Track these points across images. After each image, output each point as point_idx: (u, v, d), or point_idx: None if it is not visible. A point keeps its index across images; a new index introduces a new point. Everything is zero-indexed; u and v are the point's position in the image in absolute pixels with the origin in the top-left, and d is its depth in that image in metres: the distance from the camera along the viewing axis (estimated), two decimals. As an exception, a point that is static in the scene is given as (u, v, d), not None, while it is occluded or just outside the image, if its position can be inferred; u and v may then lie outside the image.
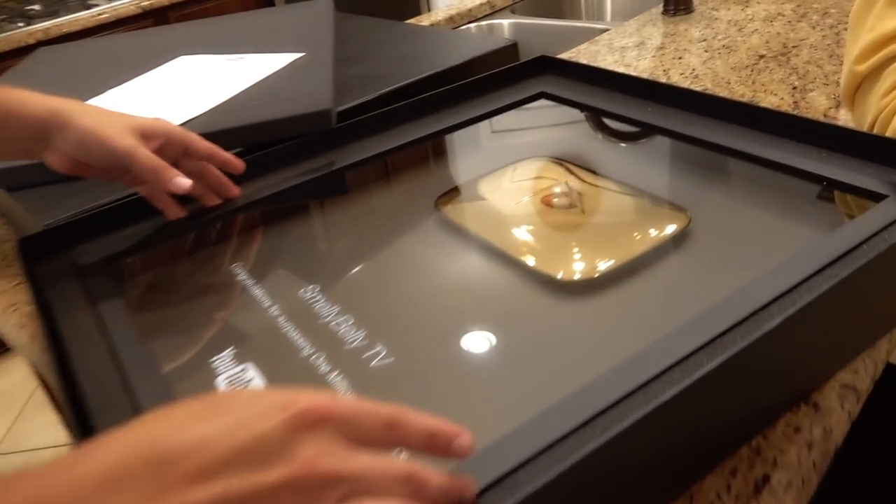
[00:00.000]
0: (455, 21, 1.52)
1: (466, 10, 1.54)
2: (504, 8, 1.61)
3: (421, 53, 0.97)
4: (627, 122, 0.74)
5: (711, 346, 0.39)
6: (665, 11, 1.30)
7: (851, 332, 0.49)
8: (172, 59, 0.99)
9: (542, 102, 0.83)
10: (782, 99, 0.90)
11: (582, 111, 0.81)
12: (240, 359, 0.48)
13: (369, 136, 0.78)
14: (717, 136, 0.65)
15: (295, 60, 0.93)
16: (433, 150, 0.81)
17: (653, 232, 0.57)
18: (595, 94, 0.80)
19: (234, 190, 0.66)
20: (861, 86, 0.67)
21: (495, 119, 0.81)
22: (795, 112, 0.86)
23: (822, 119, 0.84)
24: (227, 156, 0.65)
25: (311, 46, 0.98)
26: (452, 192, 0.69)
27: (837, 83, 0.92)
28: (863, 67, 0.65)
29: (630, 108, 0.75)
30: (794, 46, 1.06)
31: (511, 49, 0.97)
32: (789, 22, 1.16)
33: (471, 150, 0.82)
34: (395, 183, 0.76)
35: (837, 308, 0.44)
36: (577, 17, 1.79)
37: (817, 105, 0.87)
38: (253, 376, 0.46)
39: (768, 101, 0.90)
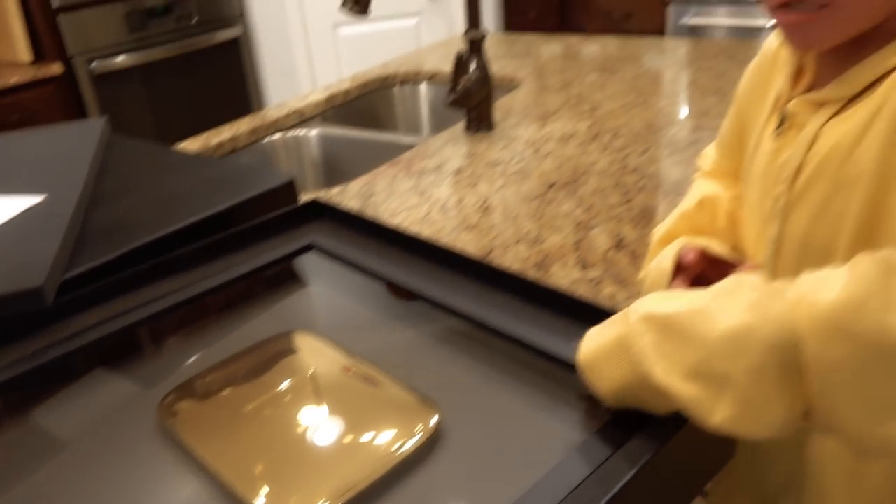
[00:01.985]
0: (258, 133, 1.44)
1: (272, 120, 1.47)
2: (314, 116, 1.56)
3: (185, 194, 0.88)
4: (389, 282, 0.68)
5: None
6: (467, 129, 1.29)
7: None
8: None
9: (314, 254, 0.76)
10: (566, 237, 0.88)
11: (351, 268, 0.74)
12: None
13: (99, 307, 0.67)
14: (473, 306, 0.60)
15: (29, 208, 0.80)
16: (174, 324, 0.70)
17: (393, 444, 0.50)
18: (366, 246, 0.74)
19: None
20: None
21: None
22: (576, 252, 0.84)
23: (601, 261, 0.82)
24: None
25: (58, 186, 0.85)
26: (183, 390, 0.59)
27: (619, 218, 0.92)
28: None
29: (398, 266, 0.69)
30: (583, 173, 1.06)
31: (287, 188, 0.89)
32: (582, 143, 1.18)
33: (224, 321, 0.72)
34: (116, 374, 0.65)
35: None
36: (394, 127, 1.77)
37: (598, 245, 0.86)
38: None
39: (552, 241, 0.88)
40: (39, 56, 2.36)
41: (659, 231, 0.77)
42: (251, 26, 2.96)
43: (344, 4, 1.14)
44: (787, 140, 0.60)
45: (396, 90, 1.76)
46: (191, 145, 1.34)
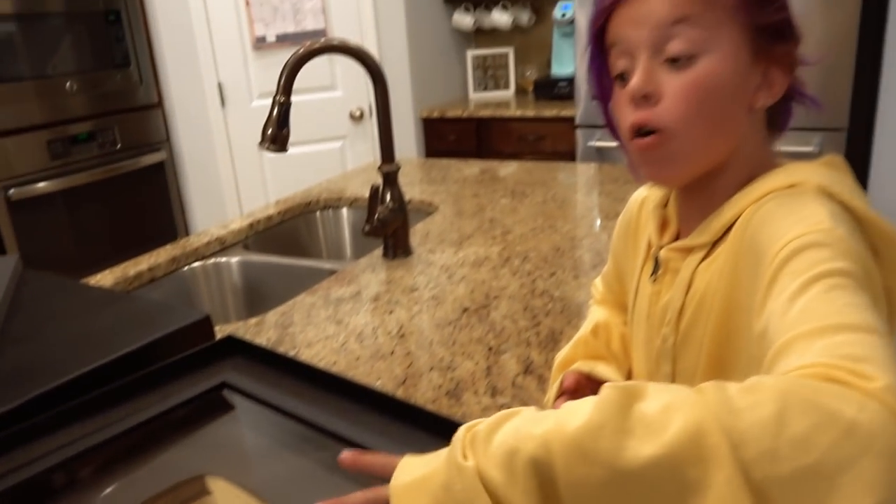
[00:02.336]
0: (179, 262, 1.45)
1: (192, 248, 1.48)
2: (236, 243, 1.58)
3: (96, 333, 0.88)
4: (301, 422, 0.69)
5: None
6: (385, 255, 1.34)
7: None
8: None
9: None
10: (477, 363, 0.91)
11: (263, 405, 0.75)
12: None
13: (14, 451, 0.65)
14: (380, 438, 0.62)
15: (-71, 355, 0.78)
16: (81, 471, 0.69)
17: None
18: (278, 382, 0.75)
19: None
20: None
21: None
22: (487, 378, 0.88)
23: (510, 387, 0.85)
24: None
25: (-39, 331, 0.84)
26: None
27: (528, 342, 0.96)
28: None
29: (308, 401, 0.70)
30: (495, 297, 1.12)
31: (203, 324, 0.90)
32: (494, 267, 1.24)
33: (133, 466, 0.71)
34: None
35: None
36: (318, 251, 1.81)
37: (508, 370, 0.89)
38: None
39: (465, 367, 0.91)
40: (-47, 184, 2.32)
41: (559, 357, 0.82)
42: (177, 150, 3.01)
43: (262, 142, 1.20)
44: (664, 284, 0.67)
45: (319, 215, 1.81)
46: (107, 278, 1.33)
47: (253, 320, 1.11)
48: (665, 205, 0.70)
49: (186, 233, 3.09)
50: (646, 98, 0.59)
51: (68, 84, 2.55)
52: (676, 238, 0.68)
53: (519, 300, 1.10)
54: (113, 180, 2.73)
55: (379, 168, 1.33)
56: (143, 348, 0.84)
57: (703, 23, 0.57)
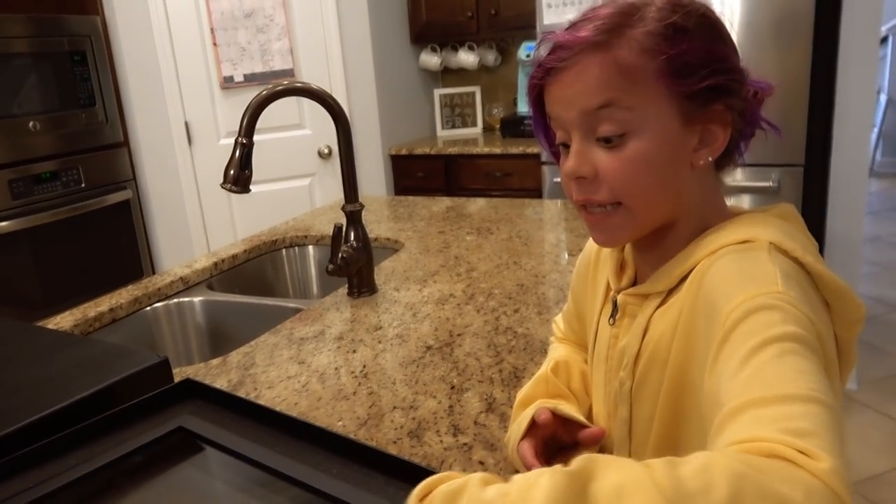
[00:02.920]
0: (141, 302, 1.43)
1: (155, 288, 1.47)
2: (200, 282, 1.57)
3: (50, 379, 0.86)
4: (258, 466, 0.68)
5: None
6: (349, 294, 1.34)
7: None
8: None
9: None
10: (440, 402, 0.91)
11: (219, 449, 0.74)
12: None
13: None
14: (333, 482, 0.61)
15: None
16: None
17: None
18: (235, 425, 0.74)
19: None
20: None
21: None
22: (450, 418, 0.87)
23: (472, 426, 0.85)
24: None
25: None
26: None
27: (491, 380, 0.96)
28: None
29: (264, 444, 0.69)
30: (458, 335, 1.12)
31: (161, 367, 0.89)
32: (458, 304, 1.24)
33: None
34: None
35: None
36: (284, 289, 1.80)
37: (471, 409, 0.89)
38: None
39: (427, 406, 0.90)
40: None
41: (520, 394, 0.82)
42: (143, 188, 2.99)
43: (225, 183, 1.20)
44: (622, 328, 0.68)
45: (285, 253, 1.81)
46: (66, 319, 1.31)
47: (215, 361, 1.10)
48: (623, 248, 0.72)
49: (153, 271, 3.05)
50: (582, 178, 0.61)
51: (31, 123, 2.52)
52: (634, 282, 0.69)
53: (483, 337, 1.10)
54: (77, 219, 2.70)
55: (342, 207, 1.33)
56: (98, 392, 0.83)
57: (628, 104, 0.58)
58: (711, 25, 0.61)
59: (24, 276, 2.56)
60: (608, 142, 0.60)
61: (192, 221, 3.04)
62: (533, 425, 0.74)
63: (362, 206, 1.35)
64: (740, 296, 0.52)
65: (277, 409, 0.92)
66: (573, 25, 0.62)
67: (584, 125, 0.60)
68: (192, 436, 0.76)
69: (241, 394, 0.98)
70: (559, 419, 0.74)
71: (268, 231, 1.89)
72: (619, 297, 0.69)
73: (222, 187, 1.21)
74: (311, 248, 1.82)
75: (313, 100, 1.27)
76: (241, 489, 0.70)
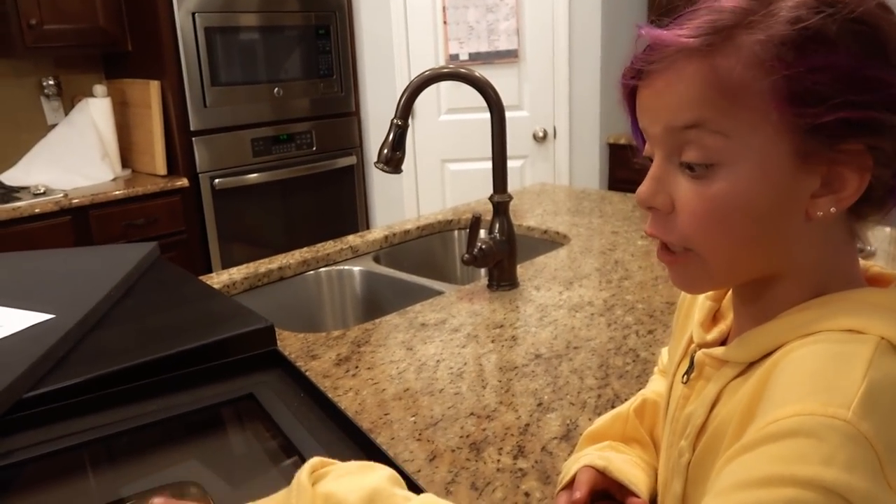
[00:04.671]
0: (309, 265, 1.54)
1: (325, 254, 1.57)
2: (368, 253, 1.64)
3: (175, 327, 0.95)
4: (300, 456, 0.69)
5: None
6: (489, 285, 1.31)
7: None
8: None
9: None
10: (519, 417, 0.86)
11: (274, 427, 0.76)
12: None
13: (37, 429, 0.73)
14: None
15: (34, 325, 0.90)
16: (90, 459, 0.75)
17: None
18: (300, 411, 0.77)
19: None
20: None
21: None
22: (520, 437, 0.82)
23: (538, 451, 0.79)
24: None
25: (69, 307, 0.96)
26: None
27: (584, 404, 0.89)
28: None
29: (320, 438, 0.70)
30: (575, 347, 1.04)
31: (266, 332, 0.95)
32: (592, 315, 1.16)
33: (133, 463, 0.76)
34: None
35: None
36: (450, 270, 1.82)
37: (546, 432, 0.83)
38: None
39: (504, 419, 0.86)
40: (172, 171, 2.67)
41: (592, 426, 0.74)
42: (367, 156, 3.21)
43: (377, 162, 1.23)
44: (694, 389, 0.57)
45: (457, 234, 1.83)
46: (241, 272, 1.45)
47: (336, 332, 1.15)
48: (722, 297, 0.60)
49: (367, 226, 3.27)
50: (655, 210, 0.51)
51: (276, 90, 2.82)
52: (725, 339, 0.58)
53: (599, 355, 1.02)
54: (306, 178, 2.98)
55: (490, 197, 1.30)
56: (203, 347, 0.90)
57: (721, 127, 0.46)
58: (870, 35, 0.44)
59: (258, 222, 2.89)
60: (692, 170, 0.48)
61: (406, 190, 3.20)
62: (575, 488, 0.66)
63: (510, 198, 1.30)
64: (796, 405, 0.41)
65: (366, 391, 0.94)
66: (680, 17, 0.51)
67: (668, 144, 0.49)
68: (258, 405, 0.79)
69: (342, 370, 1.01)
70: (610, 481, 0.66)
71: (450, 210, 1.92)
72: (697, 355, 0.57)
73: (375, 166, 1.24)
74: (482, 231, 1.81)
75: (470, 85, 1.25)
76: (279, 470, 0.73)
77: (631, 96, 0.53)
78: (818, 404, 0.40)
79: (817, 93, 0.44)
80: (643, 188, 0.51)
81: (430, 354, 1.05)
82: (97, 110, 2.65)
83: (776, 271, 0.50)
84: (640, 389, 0.91)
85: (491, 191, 1.32)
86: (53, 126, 2.73)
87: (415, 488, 0.59)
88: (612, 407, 0.87)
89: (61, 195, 2.38)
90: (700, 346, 0.58)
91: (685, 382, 0.58)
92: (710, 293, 0.60)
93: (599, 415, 0.86)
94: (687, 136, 0.47)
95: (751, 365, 0.51)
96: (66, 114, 2.74)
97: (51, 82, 2.75)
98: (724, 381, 0.52)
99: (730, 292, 0.59)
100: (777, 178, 0.46)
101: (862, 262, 0.52)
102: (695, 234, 0.49)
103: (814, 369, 0.43)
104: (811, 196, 0.47)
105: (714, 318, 0.60)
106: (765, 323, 0.50)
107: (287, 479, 0.71)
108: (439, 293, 1.36)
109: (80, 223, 2.39)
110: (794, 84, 0.44)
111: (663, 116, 0.49)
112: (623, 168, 3.18)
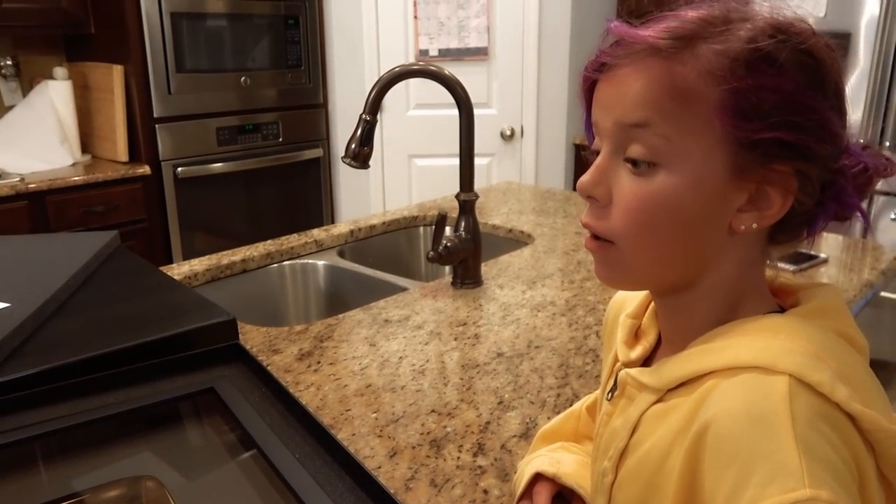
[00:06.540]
0: (273, 258, 1.53)
1: (289, 247, 1.56)
2: (332, 247, 1.64)
3: (135, 318, 0.94)
4: (259, 452, 0.69)
5: None
6: (453, 283, 1.32)
7: None
8: None
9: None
10: (479, 415, 0.87)
11: (233, 421, 0.76)
12: None
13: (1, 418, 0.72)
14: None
15: (-12, 314, 0.88)
16: (41, 452, 0.74)
17: None
18: (261, 406, 0.76)
19: None
20: None
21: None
22: (480, 434, 0.83)
23: (497, 450, 0.80)
24: None
25: (25, 295, 0.94)
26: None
27: (543, 403, 0.90)
28: None
29: (280, 433, 0.70)
30: (536, 347, 1.06)
31: (228, 325, 0.94)
32: (553, 315, 1.18)
33: (86, 456, 0.75)
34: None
35: None
36: (416, 270, 1.82)
37: (506, 430, 0.84)
38: None
39: (465, 417, 0.87)
40: (134, 157, 2.62)
41: (546, 426, 0.75)
42: (333, 149, 3.19)
43: (345, 157, 1.23)
44: (617, 408, 0.57)
45: (422, 231, 1.83)
46: (203, 263, 1.43)
47: (298, 327, 1.14)
48: (642, 314, 0.61)
49: (332, 220, 3.25)
50: (592, 199, 0.52)
51: (243, 79, 2.79)
52: (651, 355, 0.59)
53: (560, 355, 1.03)
54: (271, 170, 2.95)
55: (456, 195, 1.31)
56: (161, 339, 0.89)
57: (665, 131, 0.48)
58: (814, 67, 0.47)
59: (212, 213, 2.85)
60: (635, 165, 0.50)
61: (372, 184, 3.19)
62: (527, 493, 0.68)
63: (477, 196, 1.31)
64: (749, 491, 0.41)
65: (327, 386, 0.94)
66: (647, 20, 0.52)
67: (616, 139, 0.51)
68: (218, 399, 0.79)
69: (304, 365, 1.01)
70: (561, 486, 0.67)
71: (415, 206, 1.92)
72: (622, 374, 0.57)
73: (342, 161, 1.24)
74: (448, 229, 1.82)
75: (440, 83, 1.25)
76: (237, 463, 0.72)
77: (590, 90, 0.55)
78: (778, 492, 0.40)
79: (759, 110, 0.46)
80: (586, 177, 0.52)
81: (392, 351, 1.05)
82: (57, 93, 2.58)
83: (692, 280, 0.52)
84: (595, 387, 0.93)
85: (457, 187, 1.32)
86: (11, 108, 2.66)
87: (375, 485, 0.59)
88: (570, 406, 0.89)
89: (17, 179, 2.32)
90: (625, 365, 0.59)
91: (609, 400, 0.59)
92: (630, 311, 0.61)
93: (556, 412, 0.87)
94: (634, 133, 0.49)
95: (669, 391, 0.52)
96: (25, 95, 2.67)
97: (9, 62, 2.67)
98: (644, 405, 0.53)
99: (649, 309, 0.60)
100: (709, 187, 0.48)
101: (768, 272, 0.54)
102: (622, 228, 0.51)
103: (746, 429, 0.43)
104: (737, 210, 0.49)
105: (636, 335, 0.61)
106: (681, 348, 0.52)
107: (245, 473, 0.71)
108: (403, 289, 1.36)
109: (36, 209, 2.33)
110: (739, 98, 0.46)
111: (616, 112, 0.51)
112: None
